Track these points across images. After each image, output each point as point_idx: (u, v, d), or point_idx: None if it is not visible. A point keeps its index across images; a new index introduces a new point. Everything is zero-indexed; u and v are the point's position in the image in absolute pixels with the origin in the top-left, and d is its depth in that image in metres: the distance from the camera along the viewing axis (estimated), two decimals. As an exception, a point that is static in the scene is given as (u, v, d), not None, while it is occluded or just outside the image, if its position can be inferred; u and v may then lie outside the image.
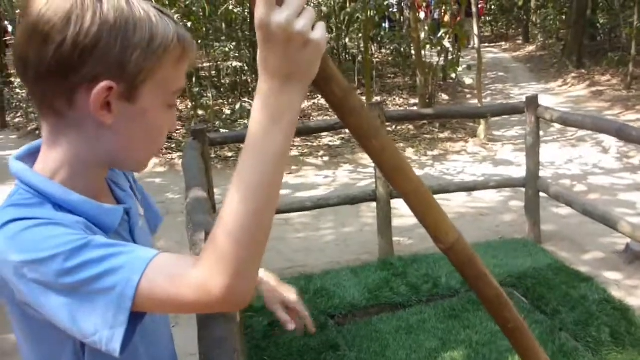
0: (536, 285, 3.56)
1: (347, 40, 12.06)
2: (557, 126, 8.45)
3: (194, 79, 8.44)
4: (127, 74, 0.76)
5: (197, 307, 0.73)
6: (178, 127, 8.42)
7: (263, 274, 1.21)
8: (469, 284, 0.96)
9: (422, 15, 10.78)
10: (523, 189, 4.46)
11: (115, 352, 0.71)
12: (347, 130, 6.11)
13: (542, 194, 4.36)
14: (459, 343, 3.08)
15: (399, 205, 5.08)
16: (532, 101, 4.16)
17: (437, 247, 0.95)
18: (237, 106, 7.72)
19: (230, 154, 7.24)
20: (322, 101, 9.71)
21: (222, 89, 9.88)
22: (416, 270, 3.87)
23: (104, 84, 0.74)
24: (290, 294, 1.17)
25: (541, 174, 4.50)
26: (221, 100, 9.44)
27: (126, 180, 1.01)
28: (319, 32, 0.66)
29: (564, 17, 15.71)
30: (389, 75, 11.88)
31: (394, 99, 10.07)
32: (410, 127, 8.34)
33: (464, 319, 3.32)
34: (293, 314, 1.22)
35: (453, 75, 10.20)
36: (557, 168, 6.62)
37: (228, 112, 7.90)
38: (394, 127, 8.27)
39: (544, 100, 4.86)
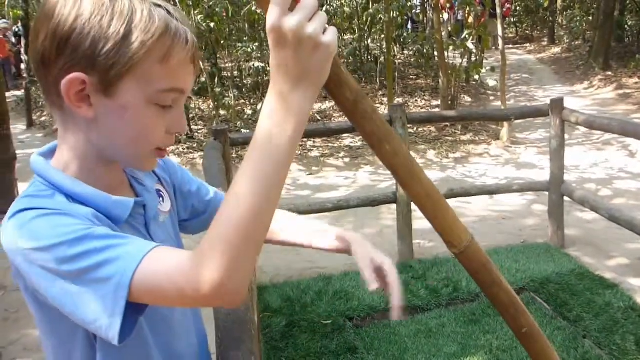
0: (559, 291, 3.50)
1: (369, 41, 12.02)
2: (582, 129, 8.31)
3: (216, 79, 8.50)
4: (99, 67, 0.76)
5: (188, 301, 0.73)
6: (200, 127, 8.49)
7: (358, 237, 1.16)
8: (482, 289, 0.95)
9: (445, 16, 10.69)
10: (546, 193, 4.38)
11: (114, 339, 0.72)
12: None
13: (565, 198, 4.29)
14: (478, 348, 3.05)
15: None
16: (557, 104, 4.09)
17: (450, 251, 0.93)
18: (259, 106, 7.74)
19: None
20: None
21: (244, 90, 9.92)
22: (436, 274, 3.83)
23: (72, 75, 0.75)
24: (385, 258, 1.12)
25: (565, 177, 4.43)
26: (243, 101, 9.48)
27: (152, 175, 1.02)
28: (330, 36, 0.67)
29: (590, 18, 15.47)
30: (411, 76, 11.81)
31: (416, 100, 10.01)
32: (432, 129, 8.27)
33: (485, 323, 3.28)
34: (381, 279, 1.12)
35: (476, 77, 10.10)
36: (582, 172, 6.50)
37: (250, 112, 7.93)
38: (415, 129, 8.21)
39: (569, 103, 4.78)
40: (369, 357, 3.02)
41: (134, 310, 0.74)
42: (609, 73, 11.86)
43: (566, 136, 8.17)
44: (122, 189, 0.92)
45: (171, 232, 1.04)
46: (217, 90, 8.30)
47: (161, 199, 1.03)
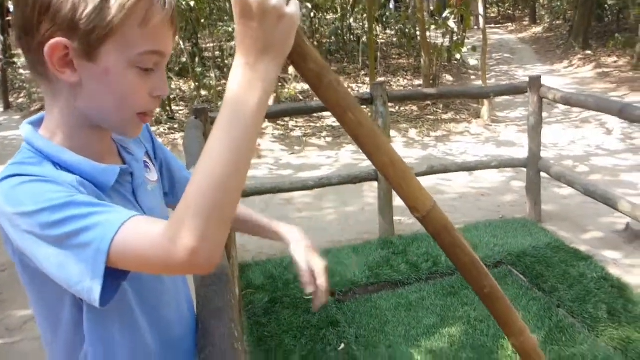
0: (535, 264, 3.59)
1: (351, 20, 11.97)
2: (561, 107, 8.43)
3: (197, 59, 8.42)
4: (80, 31, 0.78)
5: (163, 267, 0.76)
6: (181, 108, 8.44)
7: (295, 235, 1.21)
8: (445, 251, 0.99)
9: (427, -5, 10.66)
10: (524, 170, 4.46)
11: (95, 302, 0.76)
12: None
13: (543, 175, 4.37)
14: (457, 319, 3.12)
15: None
16: (535, 81, 4.15)
17: (413, 216, 0.97)
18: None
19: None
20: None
21: (225, 70, 9.85)
22: (416, 249, 3.90)
23: (54, 40, 0.77)
24: (318, 262, 1.17)
25: (544, 154, 4.50)
26: (224, 81, 9.41)
27: (141, 146, 1.05)
28: (293, 7, 0.70)
29: (571, -3, 15.55)
30: (394, 56, 11.81)
31: (398, 79, 10.03)
32: (414, 108, 8.32)
33: (463, 296, 3.35)
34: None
35: (458, 56, 10.14)
36: (560, 149, 6.61)
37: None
38: (397, 108, 8.25)
39: (549, 82, 4.85)
40: (350, 330, 3.09)
41: (115, 275, 0.77)
42: (589, 52, 11.98)
43: (545, 114, 8.27)
44: (110, 157, 0.94)
45: (159, 201, 1.07)
46: (198, 70, 8.23)
47: (148, 169, 1.06)
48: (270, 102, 7.60)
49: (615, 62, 10.96)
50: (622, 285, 3.33)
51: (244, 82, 0.71)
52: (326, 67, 0.80)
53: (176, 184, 1.16)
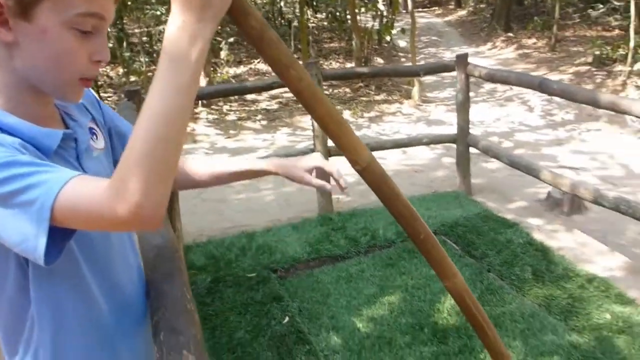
0: (466, 233, 3.78)
1: (282, 4, 11.92)
2: (487, 87, 8.81)
3: (124, 44, 8.14)
4: None
5: (109, 223, 0.76)
6: (109, 95, 8.16)
7: (277, 161, 1.25)
8: (384, 203, 1.05)
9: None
10: (454, 146, 4.66)
11: (40, 260, 0.76)
12: (284, 95, 6.16)
13: (472, 150, 4.59)
14: (395, 288, 3.26)
15: (337, 165, 5.20)
16: (462, 59, 4.33)
17: (354, 169, 1.02)
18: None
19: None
20: (259, 66, 9.63)
21: (154, 55, 9.58)
22: (355, 224, 4.01)
23: None
24: (312, 160, 1.21)
25: (472, 131, 4.71)
26: (154, 67, 9.15)
27: (86, 113, 1.04)
28: None
29: (493, -18, 16.15)
30: (325, 39, 11.88)
31: (331, 63, 10.11)
32: (347, 90, 8.44)
33: (400, 266, 3.49)
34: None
35: (388, 39, 10.33)
36: (487, 126, 6.93)
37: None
38: (331, 90, 8.34)
39: (475, 62, 5.05)
40: (294, 304, 3.15)
41: (61, 234, 0.77)
42: (510, 34, 12.52)
43: (472, 94, 8.60)
44: (52, 122, 0.93)
45: (106, 168, 1.06)
46: (127, 55, 7.97)
47: (94, 136, 1.05)
48: (203, 82, 7.41)
49: (534, 43, 11.53)
50: (545, 249, 3.58)
51: (183, 37, 0.70)
52: (266, 24, 0.83)
53: (123, 137, 1.16)
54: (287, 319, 3.01)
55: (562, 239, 3.81)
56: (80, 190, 0.75)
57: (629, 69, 7.84)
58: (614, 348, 2.63)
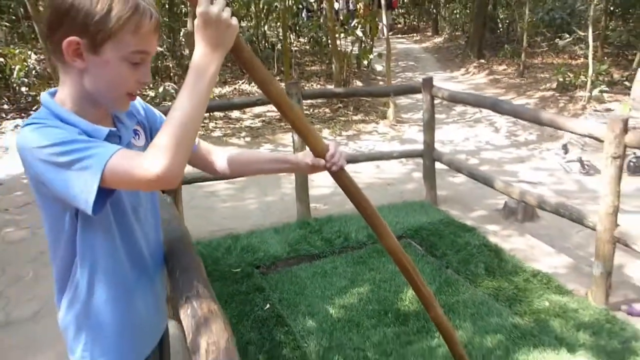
0: (430, 236, 4.23)
1: (266, 28, 12.45)
2: (458, 109, 9.37)
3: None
4: (90, 33, 1.12)
5: (144, 182, 1.08)
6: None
7: (295, 156, 1.59)
8: (351, 199, 1.49)
9: (337, 5, 11.36)
10: (421, 160, 5.13)
11: (89, 210, 1.10)
12: (267, 114, 6.64)
13: (440, 166, 5.06)
14: (364, 282, 3.67)
15: (315, 176, 5.64)
16: (428, 82, 4.82)
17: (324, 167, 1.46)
18: (161, 89, 7.95)
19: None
20: (243, 86, 10.08)
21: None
22: (330, 228, 4.43)
23: (70, 38, 1.13)
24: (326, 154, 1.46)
25: (442, 149, 5.19)
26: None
27: (133, 118, 1.41)
28: (235, 19, 1.17)
29: (468, 11, 16.94)
30: (307, 63, 12.41)
31: (312, 85, 10.61)
32: (327, 110, 8.92)
33: (370, 264, 3.91)
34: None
35: (365, 63, 10.89)
36: (456, 145, 7.44)
37: (152, 94, 8.10)
38: (311, 110, 8.81)
39: (449, 87, 5.56)
40: (275, 295, 3.55)
41: (104, 193, 1.14)
42: (483, 61, 13.20)
43: (444, 115, 9.17)
44: (104, 123, 1.30)
45: None
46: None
47: (137, 136, 1.43)
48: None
49: (505, 69, 12.19)
50: (498, 250, 4.03)
51: (204, 62, 1.13)
52: (253, 55, 1.28)
53: None
54: (268, 306, 3.40)
55: (514, 242, 4.28)
56: (123, 158, 1.09)
57: (588, 94, 8.46)
58: (549, 328, 3.07)
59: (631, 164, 5.83)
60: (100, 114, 1.29)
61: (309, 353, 2.96)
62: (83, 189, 1.09)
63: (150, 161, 1.07)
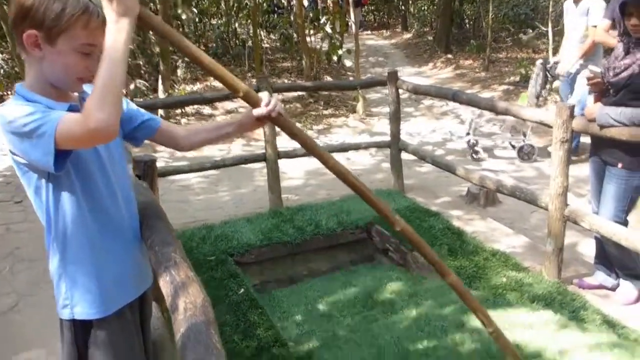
0: (396, 221, 4.42)
1: (236, 25, 12.52)
2: (426, 103, 9.62)
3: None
4: (46, 27, 1.35)
5: (84, 138, 1.28)
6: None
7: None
8: (289, 133, 1.63)
9: (306, 2, 11.50)
10: (388, 150, 5.33)
11: (51, 168, 1.34)
12: (240, 109, 6.74)
13: (407, 157, 5.27)
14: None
15: (287, 169, 5.80)
16: (393, 75, 5.01)
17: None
18: (132, 86, 8.00)
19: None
20: (214, 83, 10.16)
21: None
22: (302, 216, 4.59)
23: (30, 31, 1.36)
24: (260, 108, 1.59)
25: (410, 141, 5.40)
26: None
27: None
28: None
29: (435, 7, 17.27)
30: (278, 59, 12.54)
31: (283, 81, 10.74)
32: (298, 105, 9.08)
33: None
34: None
35: (335, 58, 11.07)
36: (423, 137, 7.69)
37: (123, 91, 8.14)
38: (283, 105, 8.94)
39: (416, 82, 5.77)
40: (247, 278, 3.70)
41: (62, 154, 1.35)
42: (449, 56, 13.51)
43: (412, 109, 9.39)
44: (66, 99, 1.50)
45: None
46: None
47: None
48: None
49: (470, 64, 12.52)
50: (460, 232, 4.25)
51: (114, 31, 1.27)
52: (163, 22, 1.42)
53: (130, 119, 1.74)
54: (242, 290, 3.55)
55: (476, 225, 4.51)
56: (67, 120, 1.30)
57: (549, 87, 8.79)
58: (505, 300, 3.29)
59: (523, 150, 6.19)
60: (63, 93, 1.51)
61: (283, 332, 3.13)
62: (44, 151, 1.31)
63: (86, 118, 1.25)
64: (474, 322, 3.04)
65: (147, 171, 2.35)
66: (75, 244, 1.58)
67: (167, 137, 1.80)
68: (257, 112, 1.61)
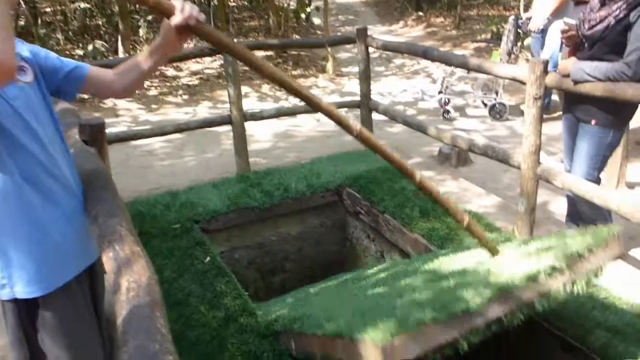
0: (367, 183, 4.32)
1: (201, -18, 12.02)
2: (397, 62, 9.45)
3: (39, 21, 8.09)
4: None
5: None
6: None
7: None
8: (214, 43, 1.49)
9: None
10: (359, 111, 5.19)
11: None
12: (205, 71, 6.49)
13: (377, 117, 5.13)
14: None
15: (254, 131, 5.63)
16: (362, 32, 4.83)
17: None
18: (90, 47, 7.62)
19: (86, 96, 7.20)
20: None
21: (70, 33, 9.52)
22: (270, 180, 4.45)
23: None
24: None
25: (381, 101, 5.24)
26: (71, 45, 9.12)
27: (19, 59, 1.43)
28: None
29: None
30: (245, 18, 12.13)
31: (251, 39, 10.40)
32: (266, 66, 8.80)
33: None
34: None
35: (303, 16, 10.75)
36: (394, 97, 7.55)
37: (81, 53, 7.75)
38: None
39: (387, 39, 5.60)
40: (214, 246, 3.57)
41: None
42: (420, 14, 13.27)
43: (382, 68, 9.21)
44: None
45: (30, 96, 1.48)
46: (42, 32, 7.93)
47: (23, 72, 1.46)
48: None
49: (442, 22, 12.32)
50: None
51: None
52: None
53: (54, 71, 1.56)
54: (208, 258, 3.42)
55: (448, 185, 4.43)
56: None
57: (520, 44, 8.69)
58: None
59: (495, 109, 6.15)
60: None
61: (251, 300, 3.02)
62: None
63: None
64: (449, 281, 2.99)
65: (95, 136, 2.17)
66: (6, 216, 1.44)
67: (100, 85, 1.64)
68: (173, 21, 1.40)
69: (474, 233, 2.20)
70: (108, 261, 1.38)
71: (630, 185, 4.48)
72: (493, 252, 2.35)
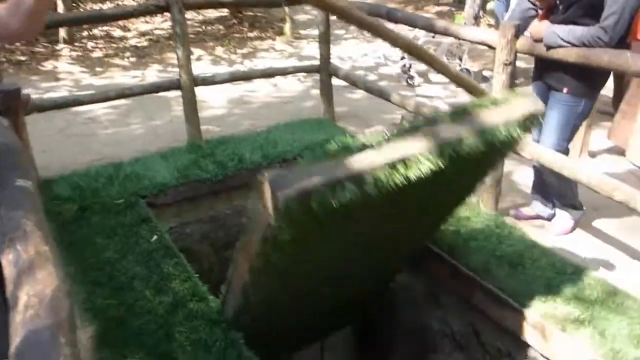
0: (325, 151, 4.09)
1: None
2: (357, 25, 9.13)
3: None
4: None
5: None
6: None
7: None
8: None
9: None
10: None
11: None
12: (154, 32, 6.03)
13: (338, 82, 4.88)
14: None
15: (207, 97, 5.29)
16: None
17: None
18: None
19: (23, 58, 6.66)
20: (126, 2, 9.18)
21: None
22: (223, 150, 4.15)
23: None
24: None
25: (341, 65, 4.98)
26: None
27: None
28: None
29: None
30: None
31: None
32: (221, 27, 8.36)
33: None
34: None
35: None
36: (354, 61, 7.28)
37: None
38: (204, 27, 8.21)
39: None
40: (162, 224, 3.29)
41: None
42: (381, -26, 12.90)
43: (342, 31, 8.90)
44: None
45: None
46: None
47: None
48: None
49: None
50: (394, 163, 3.99)
51: None
52: None
53: None
54: (155, 237, 3.14)
55: (410, 155, 4.26)
56: None
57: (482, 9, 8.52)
58: (440, 238, 3.09)
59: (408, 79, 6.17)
60: None
61: (201, 284, 2.78)
62: None
63: None
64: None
65: (9, 104, 1.84)
66: None
67: None
68: None
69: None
70: (7, 265, 1.11)
71: (592, 154, 4.42)
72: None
